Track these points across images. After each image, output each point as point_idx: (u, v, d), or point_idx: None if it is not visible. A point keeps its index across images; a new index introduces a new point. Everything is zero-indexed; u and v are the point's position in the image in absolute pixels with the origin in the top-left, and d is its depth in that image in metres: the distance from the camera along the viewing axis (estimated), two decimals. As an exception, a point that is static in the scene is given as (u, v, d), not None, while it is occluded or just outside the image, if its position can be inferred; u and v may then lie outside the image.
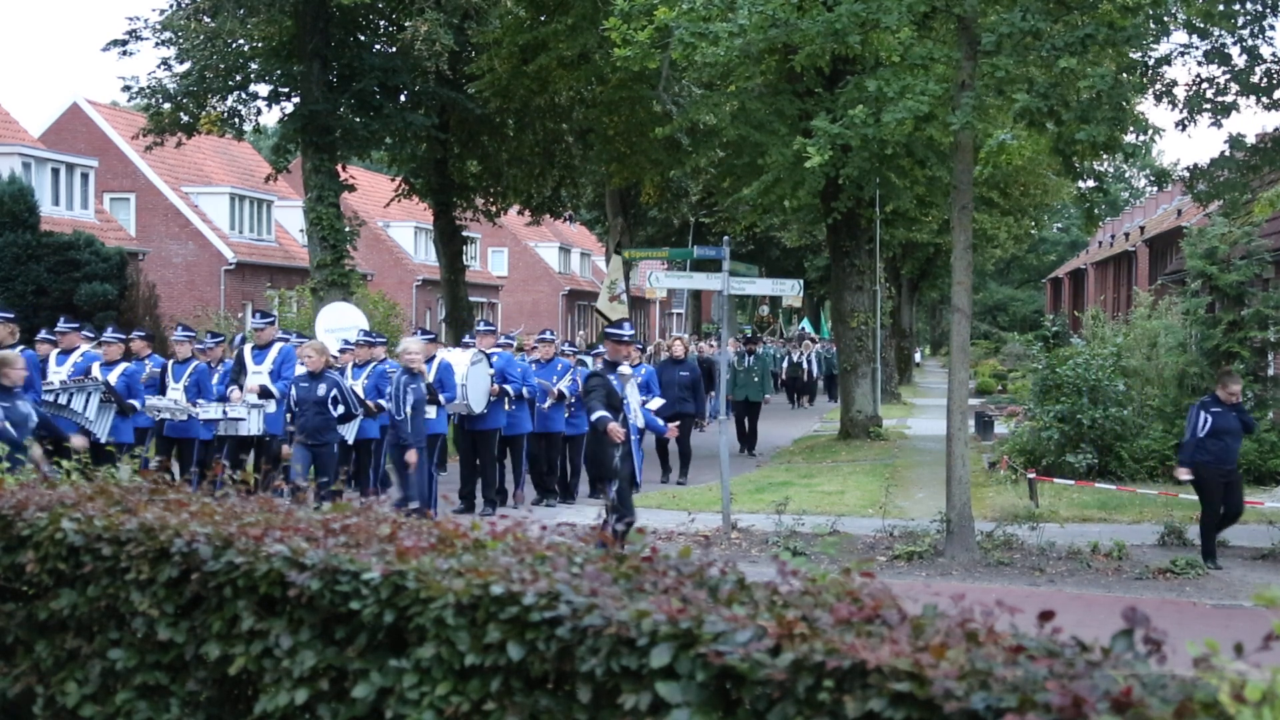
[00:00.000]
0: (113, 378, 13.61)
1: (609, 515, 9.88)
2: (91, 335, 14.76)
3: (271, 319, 14.71)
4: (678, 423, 14.72)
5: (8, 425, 9.73)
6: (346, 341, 15.00)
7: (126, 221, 37.25)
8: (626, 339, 10.99)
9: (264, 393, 13.86)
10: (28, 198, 24.59)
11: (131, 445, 13.63)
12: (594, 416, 10.30)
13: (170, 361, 14.55)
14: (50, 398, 13.06)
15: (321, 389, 12.33)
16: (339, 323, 18.24)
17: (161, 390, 14.21)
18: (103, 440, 12.85)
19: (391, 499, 11.40)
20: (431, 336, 15.01)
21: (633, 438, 10.43)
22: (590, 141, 26.99)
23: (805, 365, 37.21)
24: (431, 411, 13.87)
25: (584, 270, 68.14)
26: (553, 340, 16.36)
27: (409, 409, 12.09)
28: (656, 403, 16.47)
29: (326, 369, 12.59)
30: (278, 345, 14.30)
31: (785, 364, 37.16)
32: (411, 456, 12.10)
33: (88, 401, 13.23)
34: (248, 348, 14.52)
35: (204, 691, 4.56)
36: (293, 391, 12.56)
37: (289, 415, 12.61)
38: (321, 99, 22.63)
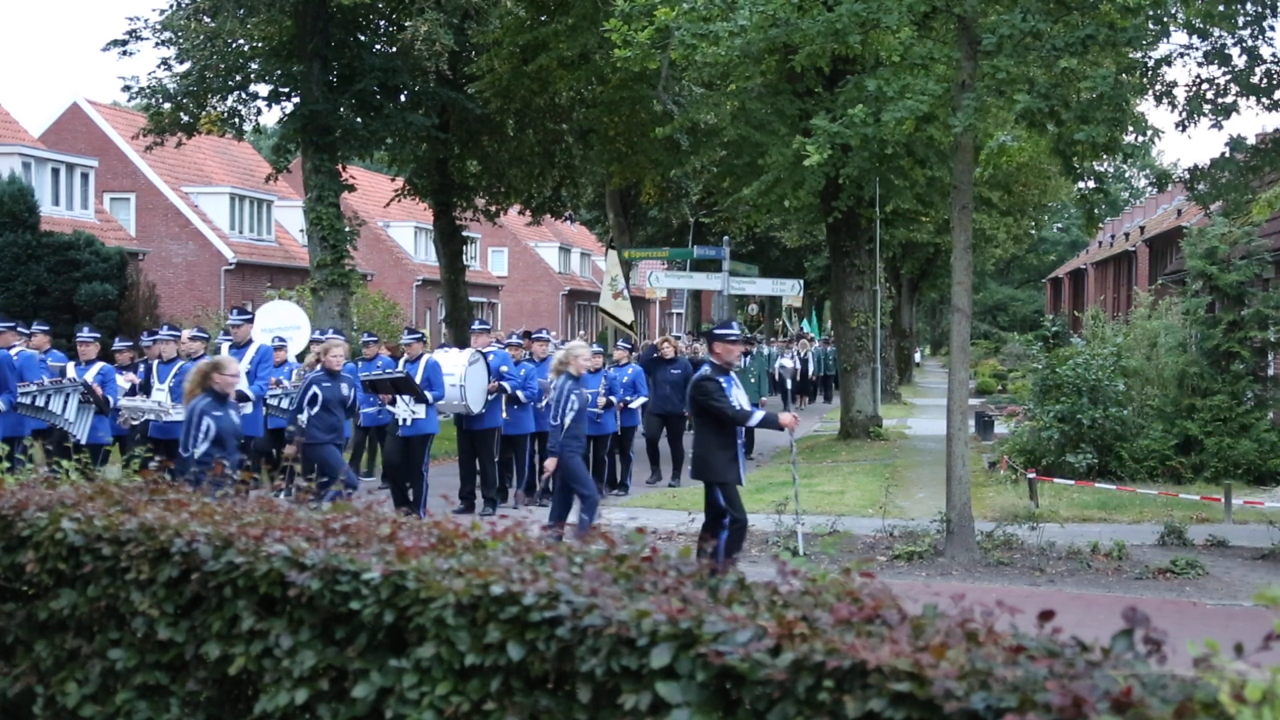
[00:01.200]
0: (89, 377, 13.31)
1: (728, 522, 9.76)
2: (25, 331, 14.42)
3: (249, 317, 14.38)
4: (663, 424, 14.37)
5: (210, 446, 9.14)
6: (280, 339, 14.70)
7: (126, 221, 37.26)
8: (735, 338, 10.20)
9: (240, 396, 13.58)
10: (28, 198, 24.61)
11: (112, 444, 13.40)
12: (755, 420, 9.93)
13: (155, 361, 14.19)
14: (27, 399, 12.86)
15: (345, 388, 12.05)
16: (278, 322, 17.86)
17: (146, 390, 13.87)
18: (83, 442, 12.56)
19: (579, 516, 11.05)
20: (419, 336, 14.89)
21: (739, 441, 10.01)
22: (590, 141, 27.00)
23: (797, 366, 36.55)
24: (421, 411, 13.77)
25: (584, 270, 68.15)
26: (548, 339, 16.32)
27: (568, 417, 11.30)
28: (639, 401, 16.50)
29: (341, 368, 12.32)
30: (255, 344, 14.01)
31: (777, 364, 36.57)
32: (550, 464, 11.40)
33: (66, 403, 12.98)
34: (224, 347, 14.18)
35: (204, 691, 4.56)
36: (315, 391, 11.95)
37: (298, 415, 12.33)
38: (321, 99, 22.64)
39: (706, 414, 9.92)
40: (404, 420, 13.83)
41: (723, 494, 9.86)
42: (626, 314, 25.81)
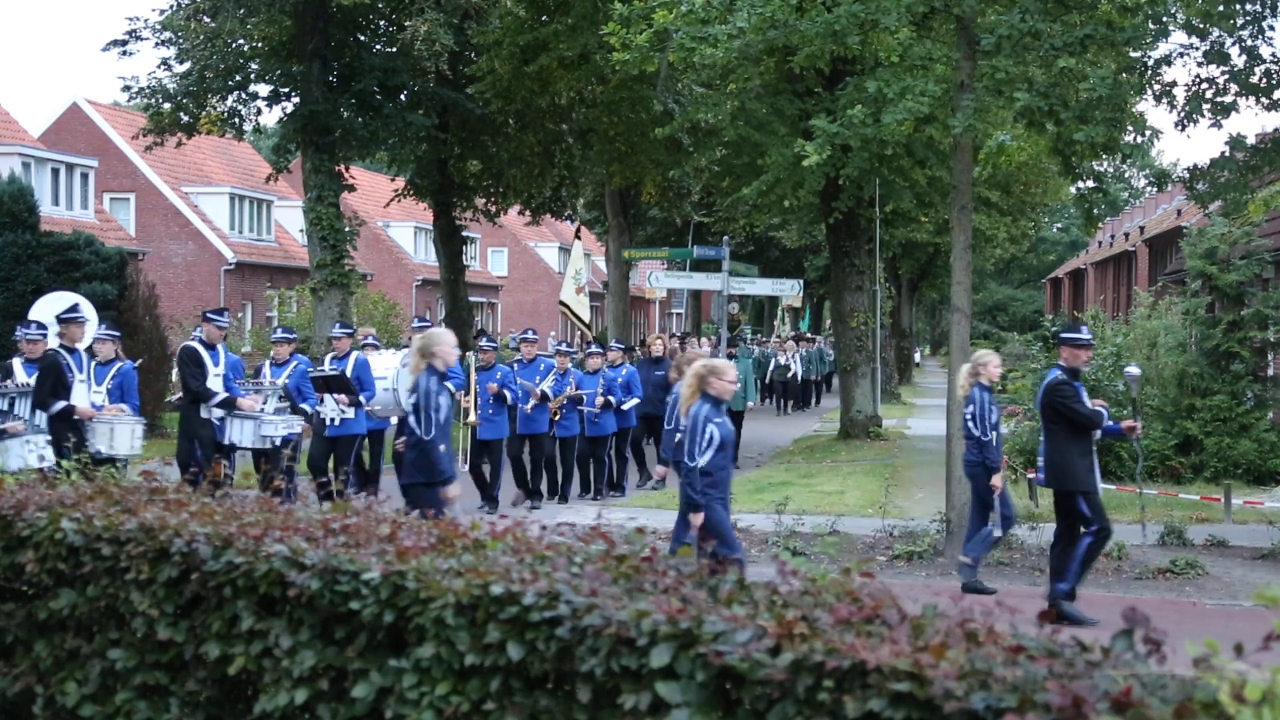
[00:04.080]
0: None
1: (1095, 530, 9.52)
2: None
3: (224, 323, 13.86)
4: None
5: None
6: (43, 327, 13.85)
7: (126, 221, 37.27)
8: (1084, 343, 10.02)
9: (226, 402, 12.95)
10: (28, 198, 24.55)
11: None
12: (1105, 422, 9.91)
13: (92, 363, 13.00)
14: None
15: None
16: (57, 312, 16.63)
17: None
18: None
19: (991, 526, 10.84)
20: (349, 331, 14.53)
21: (1094, 447, 9.96)
22: (590, 141, 27.00)
23: (792, 367, 34.92)
24: (350, 412, 13.55)
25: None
26: (535, 340, 16.07)
27: (994, 429, 10.98)
28: (632, 402, 16.36)
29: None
30: (219, 351, 13.07)
31: (771, 366, 35.79)
32: (997, 482, 10.82)
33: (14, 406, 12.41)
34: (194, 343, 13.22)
35: (204, 691, 4.56)
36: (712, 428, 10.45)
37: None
38: (321, 99, 22.65)
39: (1061, 419, 9.72)
40: (331, 420, 13.47)
41: (1086, 502, 9.69)
42: (586, 311, 24.81)
